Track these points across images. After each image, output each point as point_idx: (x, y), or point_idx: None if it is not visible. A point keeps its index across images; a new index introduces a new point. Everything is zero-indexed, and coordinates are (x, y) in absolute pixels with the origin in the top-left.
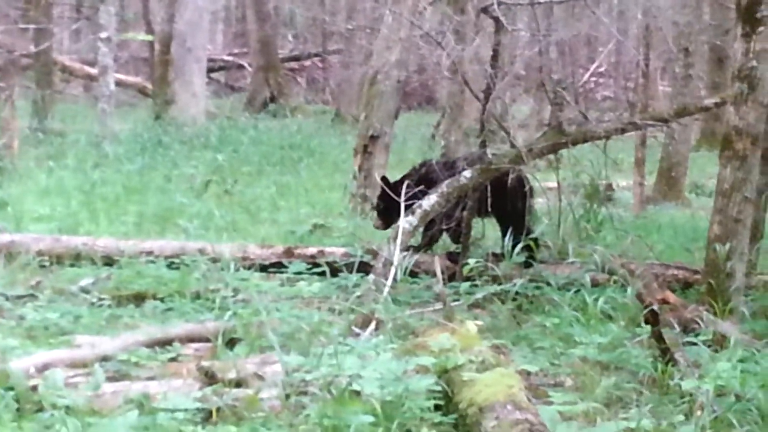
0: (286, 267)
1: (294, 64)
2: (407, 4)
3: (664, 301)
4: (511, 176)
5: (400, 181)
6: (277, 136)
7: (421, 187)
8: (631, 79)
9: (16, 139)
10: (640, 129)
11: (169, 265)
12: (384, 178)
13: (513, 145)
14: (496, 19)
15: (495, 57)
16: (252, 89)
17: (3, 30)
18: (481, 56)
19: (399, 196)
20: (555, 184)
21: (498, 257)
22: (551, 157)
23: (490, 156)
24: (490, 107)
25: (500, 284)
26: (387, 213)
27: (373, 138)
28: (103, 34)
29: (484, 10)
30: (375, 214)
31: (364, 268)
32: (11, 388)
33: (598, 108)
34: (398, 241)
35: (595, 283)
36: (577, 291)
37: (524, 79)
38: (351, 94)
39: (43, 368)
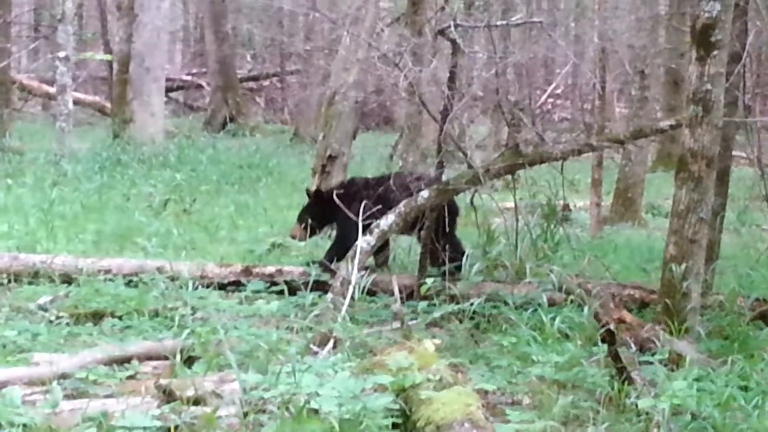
0: (244, 285)
1: (252, 84)
2: (365, 25)
3: (621, 321)
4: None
5: (327, 192)
6: (236, 155)
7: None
8: (588, 101)
9: None
10: (597, 150)
11: (128, 283)
12: (308, 190)
13: (470, 166)
14: (453, 41)
15: (452, 78)
16: (211, 109)
17: None
18: (438, 77)
19: (325, 205)
20: (512, 205)
21: (453, 276)
22: (508, 177)
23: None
24: (447, 128)
25: (458, 303)
26: (312, 223)
27: (331, 158)
28: (62, 54)
29: (441, 32)
30: (298, 224)
31: (322, 287)
32: None
33: (555, 129)
34: (356, 260)
35: (552, 303)
36: (535, 310)
37: (481, 100)
38: (309, 114)
39: (0, 386)
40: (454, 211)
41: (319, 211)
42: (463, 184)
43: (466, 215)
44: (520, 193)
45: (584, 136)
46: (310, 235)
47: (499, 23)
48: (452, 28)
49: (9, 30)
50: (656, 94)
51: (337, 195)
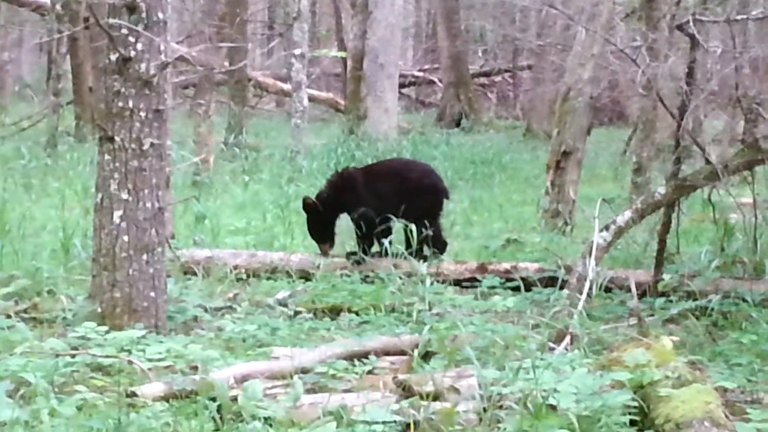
0: (479, 282)
1: (484, 80)
2: (601, 21)
3: None
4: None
5: (319, 197)
6: (469, 151)
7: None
8: None
9: (213, 153)
10: None
11: (364, 279)
12: (306, 200)
13: (708, 162)
14: (692, 36)
15: (690, 74)
16: (443, 105)
17: (199, 48)
18: (674, 73)
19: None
20: (750, 200)
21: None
22: (746, 172)
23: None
24: (684, 123)
25: (695, 300)
26: (322, 235)
27: (566, 154)
28: (297, 51)
29: (680, 27)
30: (318, 244)
31: (557, 283)
32: (214, 399)
33: None
34: (593, 256)
35: None
36: None
37: (718, 95)
38: (542, 109)
39: (242, 379)
40: (442, 194)
41: (323, 218)
42: (701, 180)
43: (703, 211)
44: (757, 189)
45: None
46: (332, 244)
47: (739, 17)
48: (691, 23)
49: (245, 28)
50: None
51: (332, 193)
